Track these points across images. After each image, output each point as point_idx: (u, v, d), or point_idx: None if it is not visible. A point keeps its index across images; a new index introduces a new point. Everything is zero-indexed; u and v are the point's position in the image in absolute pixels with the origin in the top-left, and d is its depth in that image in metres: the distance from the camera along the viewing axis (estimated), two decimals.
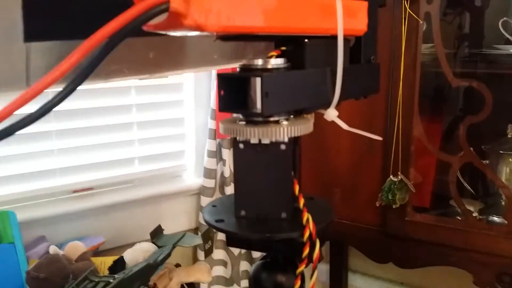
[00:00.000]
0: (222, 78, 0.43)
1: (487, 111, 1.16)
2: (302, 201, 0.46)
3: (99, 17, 0.31)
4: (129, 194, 1.46)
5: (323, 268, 1.73)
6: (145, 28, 0.34)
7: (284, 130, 0.44)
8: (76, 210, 1.34)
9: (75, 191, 1.39)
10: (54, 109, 0.30)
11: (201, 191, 1.55)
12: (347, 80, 0.48)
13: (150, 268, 1.00)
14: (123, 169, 1.46)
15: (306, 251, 0.45)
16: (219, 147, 1.53)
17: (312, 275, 0.46)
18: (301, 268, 0.47)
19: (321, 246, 0.45)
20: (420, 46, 1.20)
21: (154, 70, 0.48)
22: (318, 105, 0.49)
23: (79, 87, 0.31)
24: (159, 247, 1.13)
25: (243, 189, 0.48)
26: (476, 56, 1.38)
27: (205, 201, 1.54)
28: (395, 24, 1.20)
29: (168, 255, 1.06)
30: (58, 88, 0.30)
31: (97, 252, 1.31)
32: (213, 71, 1.48)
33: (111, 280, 0.94)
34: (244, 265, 1.60)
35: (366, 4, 0.49)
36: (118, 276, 0.96)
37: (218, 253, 1.55)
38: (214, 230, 1.32)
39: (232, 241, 0.52)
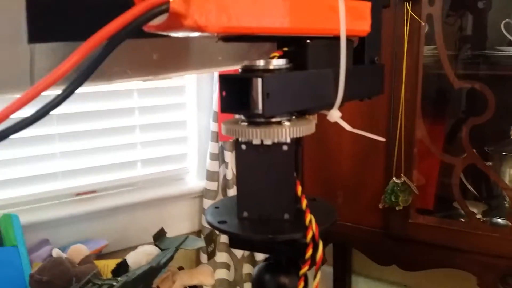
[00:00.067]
0: (224, 79, 0.43)
1: (489, 112, 1.16)
2: (304, 202, 0.46)
3: (102, 18, 0.31)
4: (132, 197, 1.46)
5: (327, 271, 1.73)
6: (145, 29, 0.34)
7: (286, 131, 0.44)
8: (79, 213, 1.35)
9: (78, 194, 1.39)
10: (56, 113, 0.30)
11: (204, 194, 1.55)
12: (351, 81, 0.48)
13: (153, 271, 1.00)
14: (126, 172, 1.46)
15: (309, 253, 0.45)
16: (222, 149, 1.53)
17: (315, 276, 0.45)
18: (304, 269, 0.46)
19: (324, 247, 0.45)
20: (422, 48, 1.20)
21: (157, 72, 0.48)
22: (321, 106, 0.48)
23: (82, 90, 0.31)
24: (162, 250, 1.13)
25: (245, 190, 0.48)
26: (478, 58, 1.38)
27: (207, 203, 1.54)
28: (397, 25, 1.20)
29: (171, 258, 1.05)
30: (58, 90, 0.30)
31: (100, 255, 1.31)
32: (215, 74, 1.48)
33: (114, 283, 0.94)
34: (247, 268, 1.59)
35: (369, 4, 0.49)
36: (121, 279, 0.96)
37: (221, 256, 1.54)
38: (217, 233, 1.32)
39: (234, 242, 0.52)
